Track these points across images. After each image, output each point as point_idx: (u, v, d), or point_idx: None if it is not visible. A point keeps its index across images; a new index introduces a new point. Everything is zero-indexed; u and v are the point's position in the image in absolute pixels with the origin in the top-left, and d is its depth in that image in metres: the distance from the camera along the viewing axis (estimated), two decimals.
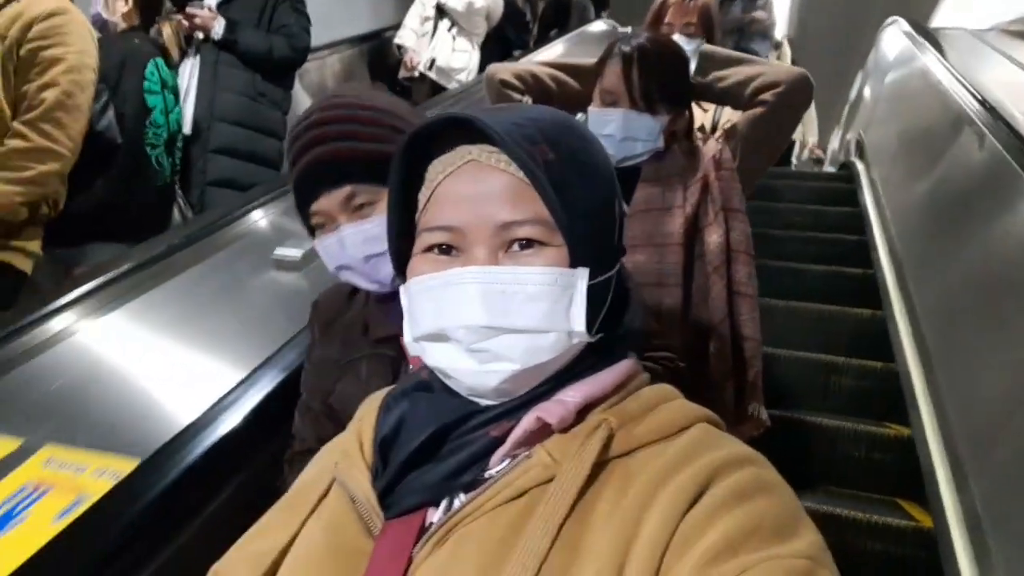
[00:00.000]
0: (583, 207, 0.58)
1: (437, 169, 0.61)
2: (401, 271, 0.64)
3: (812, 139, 5.79)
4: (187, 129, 2.73)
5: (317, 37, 3.72)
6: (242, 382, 1.31)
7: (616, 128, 1.43)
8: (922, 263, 2.43)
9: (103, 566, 0.98)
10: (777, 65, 1.60)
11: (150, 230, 2.06)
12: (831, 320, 2.60)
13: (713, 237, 1.37)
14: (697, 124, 1.69)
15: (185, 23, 2.81)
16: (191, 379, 1.35)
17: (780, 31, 4.98)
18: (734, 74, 1.55)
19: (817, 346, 2.49)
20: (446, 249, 0.60)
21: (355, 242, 0.97)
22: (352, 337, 1.06)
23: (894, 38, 4.33)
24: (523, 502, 0.54)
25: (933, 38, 3.53)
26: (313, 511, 0.62)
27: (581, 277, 0.58)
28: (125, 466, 1.09)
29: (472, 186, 0.59)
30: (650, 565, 0.48)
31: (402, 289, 0.63)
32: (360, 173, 0.96)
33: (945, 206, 2.45)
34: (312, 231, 1.03)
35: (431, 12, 4.26)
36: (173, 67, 2.56)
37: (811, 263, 2.94)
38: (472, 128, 0.58)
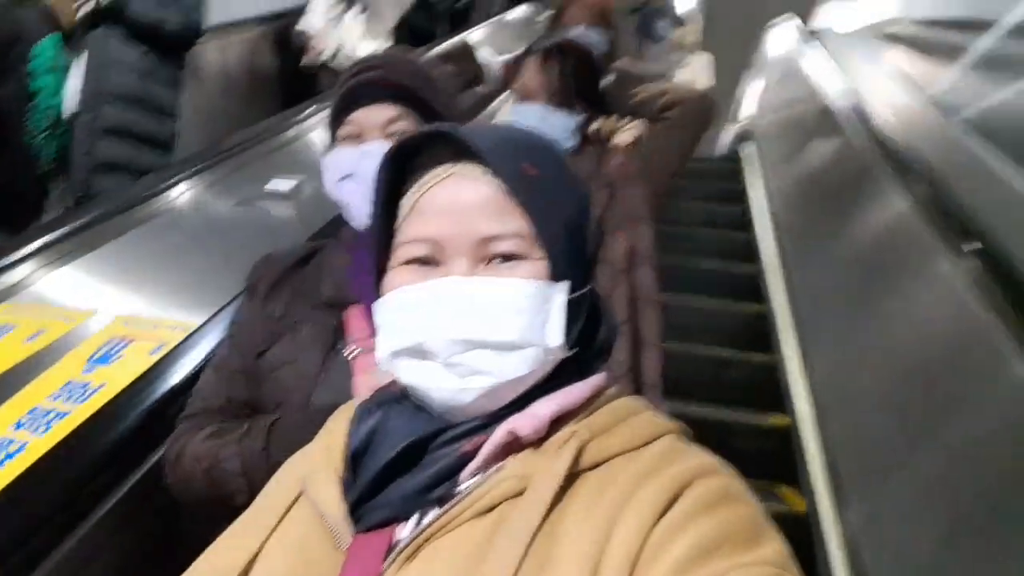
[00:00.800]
0: (564, 223, 0.60)
1: (420, 182, 0.61)
2: (377, 288, 0.63)
3: None
4: (73, 108, 2.56)
5: (217, 15, 3.56)
6: None
7: (533, 123, 1.47)
8: (798, 239, 2.73)
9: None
10: (682, 86, 1.69)
11: (22, 218, 1.93)
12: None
13: (617, 242, 1.42)
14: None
15: None
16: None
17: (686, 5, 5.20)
18: (644, 90, 1.63)
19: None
20: (425, 261, 0.60)
21: (378, 157, 0.99)
22: (298, 299, 1.07)
23: (778, 38, 4.91)
24: (494, 516, 0.54)
25: (811, 38, 3.94)
26: (278, 525, 0.61)
27: (560, 291, 0.59)
28: (191, 323, 1.36)
29: (454, 199, 0.59)
30: (623, 570, 0.49)
31: (376, 305, 0.62)
32: (410, 105, 1.03)
33: (817, 184, 2.78)
34: (333, 142, 1.08)
35: None
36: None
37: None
38: (456, 143, 0.59)
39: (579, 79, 1.51)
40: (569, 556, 0.50)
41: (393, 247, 0.62)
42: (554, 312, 0.59)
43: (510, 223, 0.59)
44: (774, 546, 0.50)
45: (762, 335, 2.57)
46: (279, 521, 0.61)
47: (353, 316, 1.02)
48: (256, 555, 0.59)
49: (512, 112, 1.54)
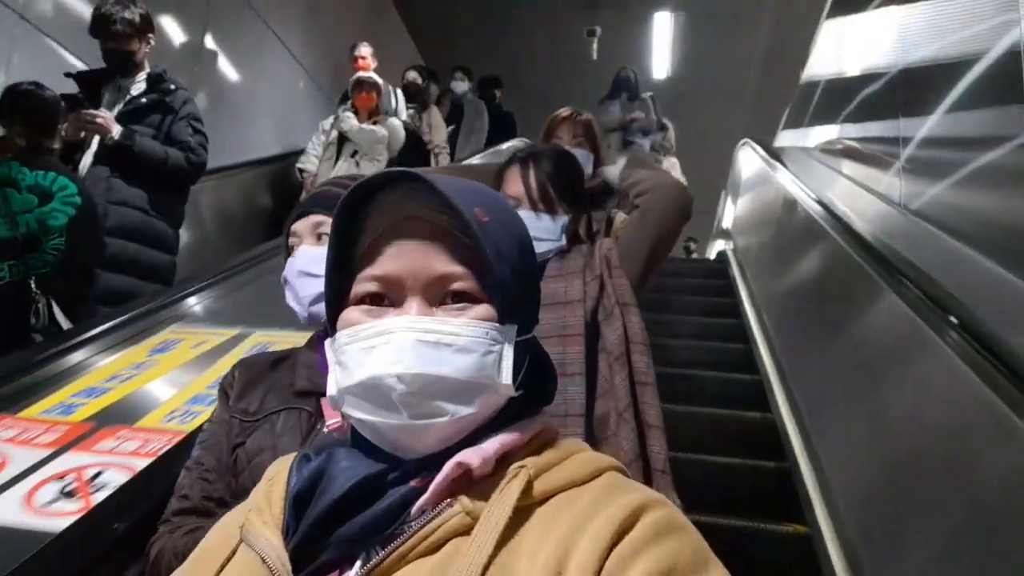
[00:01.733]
0: (514, 268, 0.61)
1: (379, 222, 0.62)
2: (332, 325, 0.64)
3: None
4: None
5: (218, 158, 3.74)
6: None
7: None
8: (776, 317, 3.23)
9: None
10: (665, 175, 1.70)
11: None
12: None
13: (612, 329, 1.43)
14: (595, 228, 1.78)
15: (83, 124, 2.75)
16: None
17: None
18: (634, 175, 1.68)
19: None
20: (378, 300, 0.60)
21: (301, 257, 1.15)
22: (272, 394, 1.10)
23: (746, 155, 5.67)
24: (444, 552, 0.53)
25: (774, 153, 4.69)
26: (218, 574, 0.59)
27: (510, 334, 0.60)
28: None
29: (412, 240, 0.60)
30: None
31: (328, 343, 0.62)
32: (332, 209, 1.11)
33: (786, 268, 3.34)
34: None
35: (333, 137, 4.38)
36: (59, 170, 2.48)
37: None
38: (414, 186, 0.61)
39: (560, 181, 1.54)
40: None
41: (350, 284, 0.62)
42: (504, 353, 0.60)
43: (464, 264, 0.60)
44: (719, 572, 0.51)
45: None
46: (220, 568, 0.59)
47: (328, 403, 1.01)
48: None
49: None
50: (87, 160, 2.88)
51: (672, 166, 5.48)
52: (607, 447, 1.33)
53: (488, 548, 0.51)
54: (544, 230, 1.51)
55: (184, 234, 3.17)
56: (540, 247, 1.52)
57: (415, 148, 4.68)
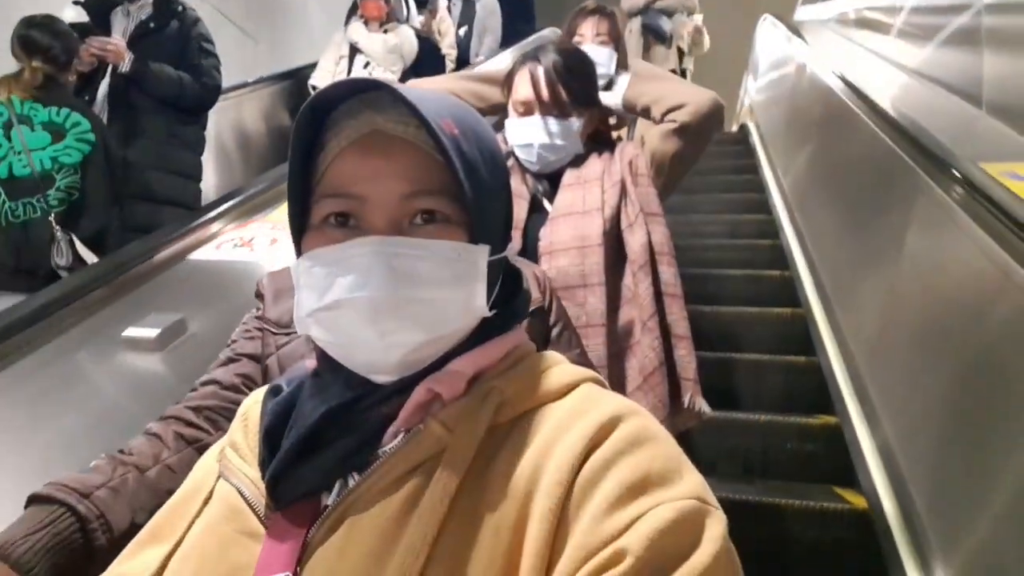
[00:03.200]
0: (484, 185, 0.58)
1: (341, 136, 0.59)
2: (297, 247, 0.61)
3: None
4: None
5: (232, 76, 3.69)
6: None
7: (533, 136, 1.46)
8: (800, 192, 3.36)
9: None
10: (692, 87, 1.63)
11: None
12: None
13: (635, 238, 1.40)
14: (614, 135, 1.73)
15: (93, 53, 2.72)
16: None
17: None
18: (653, 91, 1.61)
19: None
20: (344, 220, 0.58)
21: None
22: None
23: (766, 30, 5.79)
24: (418, 476, 0.53)
25: (793, 27, 4.76)
26: (200, 512, 0.60)
27: (482, 253, 0.59)
28: None
29: (376, 155, 0.57)
30: (550, 517, 0.48)
31: (293, 266, 0.60)
32: None
33: (806, 139, 3.49)
34: None
35: (345, 51, 4.26)
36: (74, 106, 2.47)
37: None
38: (378, 98, 0.58)
39: (571, 82, 1.47)
40: (496, 507, 0.50)
41: (312, 203, 0.59)
42: (477, 273, 0.58)
43: (433, 182, 0.57)
44: (693, 479, 0.51)
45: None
46: (200, 508, 0.60)
47: None
48: (180, 540, 0.58)
49: (509, 128, 1.53)
50: (103, 90, 2.86)
51: (700, 33, 5.24)
52: (631, 356, 1.34)
53: (459, 472, 0.51)
54: (557, 135, 1.47)
55: (206, 159, 3.16)
56: (555, 153, 1.49)
57: (430, 55, 4.54)
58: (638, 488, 0.49)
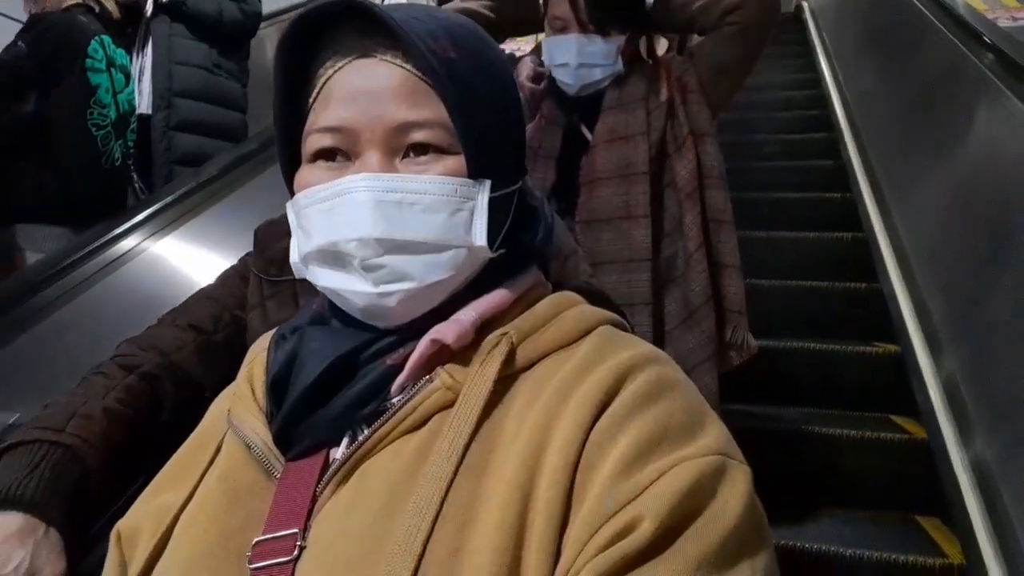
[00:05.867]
0: (486, 113, 0.54)
1: (326, 64, 0.55)
2: (290, 185, 0.59)
3: None
4: (145, 108, 2.66)
5: (275, 2, 3.62)
6: None
7: (570, 55, 1.38)
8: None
9: None
10: None
11: (98, 214, 1.99)
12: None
13: (683, 164, 1.33)
14: (661, 51, 1.62)
15: None
16: None
17: None
18: None
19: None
20: (334, 155, 0.55)
21: None
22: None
23: None
24: (427, 429, 0.52)
25: None
26: (212, 461, 0.59)
27: (483, 189, 0.55)
28: None
29: (365, 82, 0.53)
30: (562, 476, 0.46)
31: (288, 205, 0.58)
32: None
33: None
34: None
35: None
36: (122, 45, 2.47)
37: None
38: (367, 20, 0.53)
39: (610, 1, 1.37)
40: (507, 460, 0.48)
41: (302, 137, 0.56)
42: (477, 212, 0.55)
43: (426, 110, 0.53)
44: (715, 432, 0.48)
45: None
46: (212, 457, 0.59)
47: None
48: (194, 490, 0.57)
49: (545, 47, 1.44)
50: (146, 21, 2.84)
51: None
52: (675, 290, 1.29)
53: (469, 425, 0.49)
54: (596, 55, 1.38)
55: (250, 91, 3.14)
56: (595, 74, 1.40)
57: None
58: (656, 445, 0.46)
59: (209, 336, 0.98)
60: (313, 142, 0.55)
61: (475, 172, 0.54)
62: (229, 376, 0.67)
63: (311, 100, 0.56)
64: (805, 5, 5.55)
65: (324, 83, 0.55)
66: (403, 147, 0.54)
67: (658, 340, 1.29)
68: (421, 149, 0.54)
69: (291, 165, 0.58)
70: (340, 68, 0.54)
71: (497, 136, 0.56)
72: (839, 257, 2.57)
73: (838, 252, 2.59)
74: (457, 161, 0.54)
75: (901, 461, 1.79)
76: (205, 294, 1.02)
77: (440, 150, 0.54)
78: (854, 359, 2.12)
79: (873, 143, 2.83)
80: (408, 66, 0.53)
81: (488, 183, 0.55)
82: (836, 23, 4.43)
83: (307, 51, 0.56)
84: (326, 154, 0.55)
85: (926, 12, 2.45)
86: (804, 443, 1.85)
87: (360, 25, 0.54)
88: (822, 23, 4.74)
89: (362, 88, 0.53)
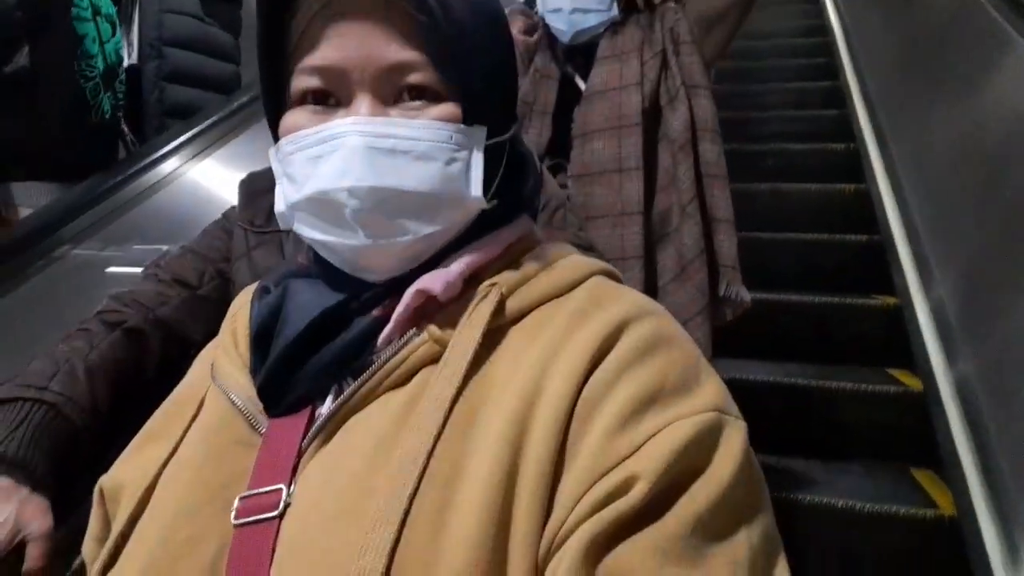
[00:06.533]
0: (481, 57, 0.52)
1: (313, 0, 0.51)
2: (275, 129, 0.56)
3: None
4: (133, 58, 2.60)
5: None
6: None
7: (564, 3, 1.34)
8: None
9: None
10: None
11: (88, 169, 1.96)
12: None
13: (676, 115, 1.30)
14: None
15: None
16: None
17: None
18: None
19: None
20: (323, 97, 0.52)
21: None
22: None
23: None
24: (415, 383, 0.50)
25: None
26: (195, 416, 0.58)
27: (478, 136, 0.52)
28: None
29: (355, 19, 0.50)
30: (553, 431, 0.45)
31: (272, 151, 0.55)
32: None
33: None
34: None
35: None
36: None
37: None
38: None
39: None
40: (498, 413, 0.46)
41: (287, 78, 0.53)
42: (473, 160, 0.52)
43: (421, 52, 0.50)
44: (711, 388, 0.47)
45: None
46: (196, 412, 0.58)
47: None
48: (178, 445, 0.56)
49: None
50: None
51: None
52: (669, 244, 1.28)
53: (456, 379, 0.48)
54: (591, 1, 1.34)
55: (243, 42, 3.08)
56: (589, 19, 1.36)
57: None
58: (651, 401, 0.45)
59: (194, 290, 0.98)
60: (299, 83, 0.52)
61: (470, 118, 0.52)
62: (216, 330, 0.66)
63: (296, 37, 0.52)
64: None
65: (311, 19, 0.51)
66: (396, 90, 0.51)
67: (651, 294, 1.27)
68: (415, 92, 0.51)
69: (276, 111, 0.55)
70: (328, 3, 0.51)
71: (492, 81, 0.54)
72: (843, 209, 2.55)
73: (842, 204, 2.56)
74: (452, 107, 0.51)
75: (897, 414, 1.80)
76: (188, 249, 1.02)
77: (435, 94, 0.51)
78: (852, 312, 2.11)
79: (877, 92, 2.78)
80: (401, 4, 0.50)
81: (484, 130, 0.53)
82: None
83: None
84: (313, 96, 0.52)
85: None
86: (800, 396, 1.86)
87: None
88: None
89: (352, 26, 0.50)
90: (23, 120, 1.96)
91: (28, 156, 2.02)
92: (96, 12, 2.14)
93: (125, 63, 2.45)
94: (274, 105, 0.55)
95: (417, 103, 0.51)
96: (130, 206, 1.67)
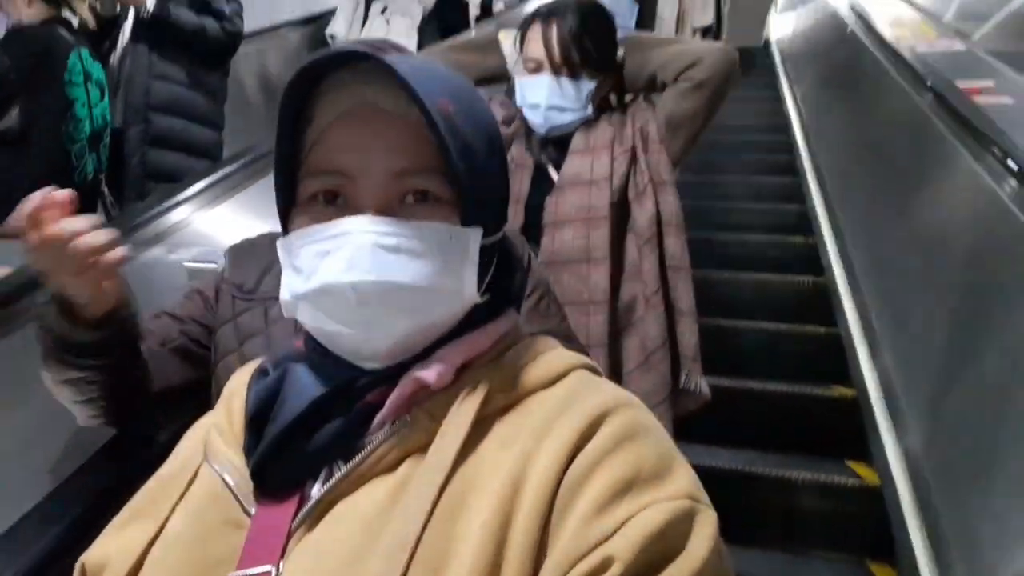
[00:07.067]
0: (480, 166, 0.56)
1: (328, 109, 0.56)
2: (284, 224, 0.60)
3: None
4: (117, 122, 2.64)
5: (255, 21, 3.63)
6: None
7: (542, 96, 1.41)
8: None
9: None
10: (702, 43, 1.57)
11: None
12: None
13: (643, 210, 1.36)
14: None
15: None
16: None
17: None
18: (658, 56, 1.51)
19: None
20: (332, 198, 0.56)
21: None
22: (271, 277, 1.04)
23: None
24: (404, 469, 0.52)
25: None
26: (183, 495, 0.58)
27: (474, 237, 0.56)
28: None
29: (366, 129, 0.55)
30: (537, 518, 0.47)
31: (280, 243, 0.58)
32: None
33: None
34: None
35: None
36: (97, 56, 2.46)
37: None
38: (370, 69, 0.55)
39: (586, 40, 1.40)
40: (483, 501, 0.48)
41: (300, 178, 0.57)
42: (468, 258, 0.56)
43: (425, 159, 0.54)
44: (685, 476, 0.50)
45: None
46: (184, 491, 0.58)
47: None
48: (164, 524, 0.56)
49: (518, 87, 1.48)
50: (125, 35, 2.83)
51: None
52: (633, 333, 1.32)
53: (445, 467, 0.50)
54: (567, 98, 1.41)
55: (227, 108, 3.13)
56: (564, 116, 1.44)
57: (451, 2, 4.40)
58: (627, 488, 0.47)
59: (161, 346, 1.01)
60: (312, 184, 0.56)
61: (467, 220, 0.56)
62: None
63: (311, 143, 0.57)
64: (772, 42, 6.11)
65: (326, 126, 0.56)
66: (401, 193, 0.55)
67: (615, 380, 1.29)
68: (418, 195, 0.55)
69: (287, 204, 0.59)
70: (343, 113, 0.56)
71: (488, 187, 0.58)
72: (801, 301, 2.63)
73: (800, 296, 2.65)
74: (451, 209, 0.55)
75: (855, 506, 1.82)
76: (166, 311, 1.05)
77: (436, 198, 0.55)
78: (811, 402, 2.15)
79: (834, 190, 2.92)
80: (410, 117, 0.54)
81: (479, 231, 0.56)
82: (799, 64, 4.78)
83: (312, 92, 0.57)
84: (324, 196, 0.56)
85: (885, 64, 2.53)
86: (760, 484, 1.88)
87: (364, 71, 0.55)
88: (788, 65, 5.12)
89: (363, 133, 0.55)
90: (7, 177, 1.99)
91: (7, 213, 2.03)
92: (87, 78, 2.20)
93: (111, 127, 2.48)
94: (286, 201, 0.59)
95: (420, 206, 0.55)
96: None
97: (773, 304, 2.62)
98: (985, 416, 1.34)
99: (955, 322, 1.60)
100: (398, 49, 0.58)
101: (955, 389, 1.51)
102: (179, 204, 1.76)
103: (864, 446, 1.94)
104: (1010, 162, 1.49)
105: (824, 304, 2.52)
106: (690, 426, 1.46)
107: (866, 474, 1.88)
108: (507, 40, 1.54)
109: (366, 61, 0.54)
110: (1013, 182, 1.48)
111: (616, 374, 1.31)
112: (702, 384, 1.35)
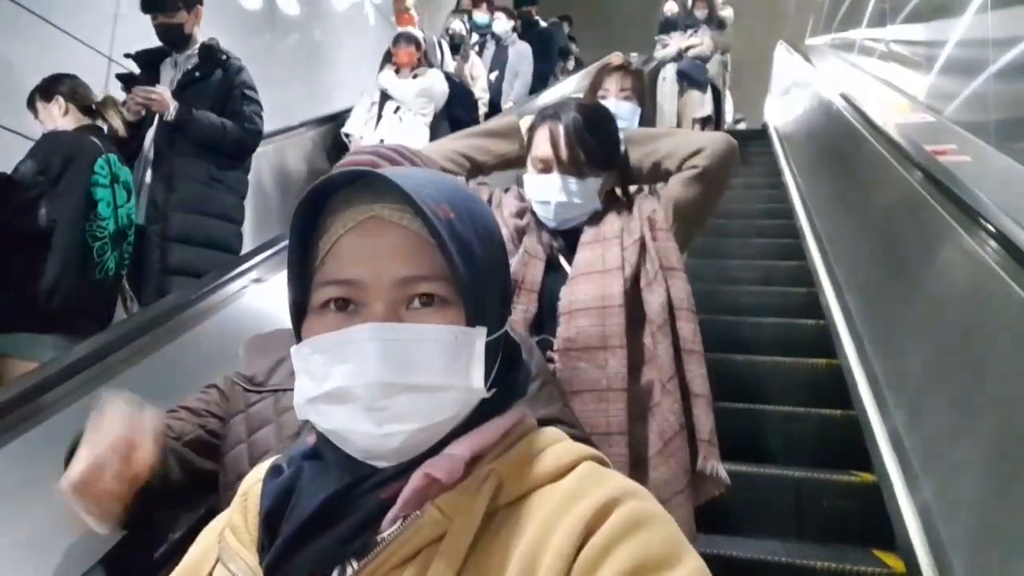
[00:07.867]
0: (481, 267, 0.59)
1: (338, 223, 0.60)
2: (297, 331, 0.63)
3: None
4: (140, 219, 2.73)
5: (274, 121, 3.79)
6: None
7: (551, 194, 1.47)
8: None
9: None
10: (702, 133, 1.65)
11: (89, 324, 2.03)
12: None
13: (654, 297, 1.39)
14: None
15: (138, 101, 2.82)
16: None
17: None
18: (660, 148, 1.58)
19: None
20: (343, 305, 0.59)
21: None
22: (283, 368, 1.09)
23: (782, 55, 7.52)
24: (417, 563, 0.53)
25: (803, 51, 6.35)
26: None
27: (479, 335, 0.59)
28: None
29: (373, 240, 0.59)
30: None
31: (294, 351, 0.61)
32: None
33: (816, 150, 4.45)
34: None
35: (376, 97, 4.33)
36: (125, 157, 2.57)
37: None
38: (375, 184, 0.59)
39: (590, 140, 1.47)
40: None
41: (312, 289, 0.61)
42: (475, 356, 0.59)
43: (429, 265, 0.58)
44: (691, 564, 0.51)
45: None
46: None
47: None
48: None
49: (527, 184, 1.54)
50: (149, 138, 2.96)
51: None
52: (651, 419, 1.32)
53: (457, 560, 0.51)
54: (575, 195, 1.47)
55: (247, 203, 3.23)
56: (572, 211, 1.49)
57: (462, 98, 4.59)
58: (638, 574, 0.48)
59: (176, 439, 1.04)
60: (324, 293, 0.59)
61: (472, 320, 0.59)
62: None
63: (323, 253, 0.61)
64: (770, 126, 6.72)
65: (336, 241, 0.60)
66: (408, 297, 0.58)
67: (636, 467, 1.31)
68: (425, 299, 0.58)
69: (299, 313, 0.63)
70: (351, 228, 0.60)
71: (490, 288, 0.61)
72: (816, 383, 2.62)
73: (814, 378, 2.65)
74: (456, 310, 0.58)
75: None
76: (183, 405, 1.09)
77: (441, 300, 0.58)
78: (832, 487, 2.12)
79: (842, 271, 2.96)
80: (414, 226, 0.58)
81: (484, 330, 0.59)
82: (797, 146, 5.18)
83: (323, 206, 0.62)
84: (335, 303, 0.59)
85: (886, 155, 2.61)
86: (781, 574, 1.83)
87: (371, 186, 0.60)
88: (787, 147, 5.61)
89: (370, 245, 0.59)
90: (32, 271, 2.06)
91: (26, 309, 2.09)
92: (115, 180, 2.30)
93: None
94: (298, 308, 0.62)
95: (426, 308, 0.58)
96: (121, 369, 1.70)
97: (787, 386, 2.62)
98: (1012, 498, 1.32)
99: (968, 404, 1.60)
100: (403, 155, 0.63)
101: (977, 471, 1.49)
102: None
103: (889, 533, 1.89)
104: (971, 209, 1.77)
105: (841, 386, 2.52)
106: (713, 514, 1.44)
107: (893, 563, 1.83)
108: (527, 126, 1.61)
109: (373, 177, 0.59)
110: (969, 224, 1.76)
111: (636, 460, 1.31)
112: (719, 469, 1.34)
